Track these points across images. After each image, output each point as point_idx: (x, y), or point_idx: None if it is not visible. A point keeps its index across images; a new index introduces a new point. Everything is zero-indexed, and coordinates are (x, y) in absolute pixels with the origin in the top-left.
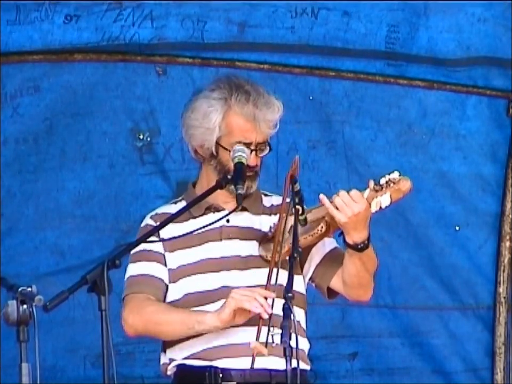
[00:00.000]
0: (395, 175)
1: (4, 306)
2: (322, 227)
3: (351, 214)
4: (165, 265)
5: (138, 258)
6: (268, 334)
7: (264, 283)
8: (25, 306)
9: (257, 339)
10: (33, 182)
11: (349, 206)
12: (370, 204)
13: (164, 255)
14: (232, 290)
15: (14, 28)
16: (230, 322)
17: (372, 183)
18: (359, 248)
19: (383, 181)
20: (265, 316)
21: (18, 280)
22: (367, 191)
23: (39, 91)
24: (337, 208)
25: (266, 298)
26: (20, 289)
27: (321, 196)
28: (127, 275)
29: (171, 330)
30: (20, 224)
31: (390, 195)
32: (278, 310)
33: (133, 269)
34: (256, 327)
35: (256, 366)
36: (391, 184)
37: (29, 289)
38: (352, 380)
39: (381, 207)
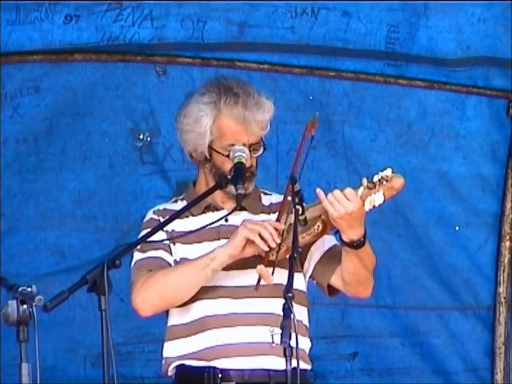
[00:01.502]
0: (388, 172)
1: (4, 306)
2: (318, 226)
3: (344, 212)
4: (171, 254)
5: (146, 248)
6: (273, 271)
7: (264, 283)
8: (25, 306)
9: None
10: (33, 182)
11: (342, 203)
12: (364, 202)
13: (169, 245)
14: (244, 220)
15: (14, 28)
16: (242, 251)
17: (365, 181)
18: (355, 245)
19: (376, 178)
20: (273, 245)
21: (18, 280)
22: (361, 189)
23: (39, 91)
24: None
25: (276, 228)
26: (20, 289)
27: (318, 190)
28: (133, 261)
29: (186, 280)
30: (20, 224)
31: (383, 193)
32: (278, 309)
33: (140, 255)
34: (255, 327)
35: (255, 366)
36: (384, 182)
37: (29, 289)
38: (352, 380)
39: (374, 206)
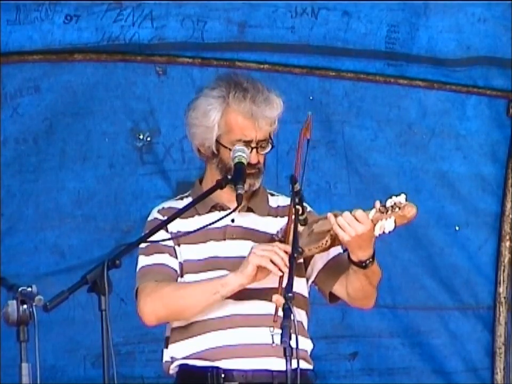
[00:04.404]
0: (401, 198)
1: (4, 306)
2: (327, 241)
3: (355, 234)
4: (176, 257)
5: (151, 251)
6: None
7: (267, 285)
8: (25, 306)
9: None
10: (33, 182)
11: (353, 226)
12: (374, 226)
13: (174, 248)
14: (252, 247)
15: (14, 28)
16: (253, 279)
17: (378, 204)
18: (363, 265)
19: (389, 203)
20: (285, 269)
21: (18, 280)
22: (373, 211)
23: (39, 91)
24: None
25: (286, 252)
26: (20, 289)
27: (329, 215)
28: (139, 266)
29: (195, 301)
30: (20, 224)
31: (395, 220)
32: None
33: (145, 260)
34: (259, 328)
35: (258, 366)
36: (397, 209)
37: (29, 289)
38: (352, 380)
39: (384, 232)
